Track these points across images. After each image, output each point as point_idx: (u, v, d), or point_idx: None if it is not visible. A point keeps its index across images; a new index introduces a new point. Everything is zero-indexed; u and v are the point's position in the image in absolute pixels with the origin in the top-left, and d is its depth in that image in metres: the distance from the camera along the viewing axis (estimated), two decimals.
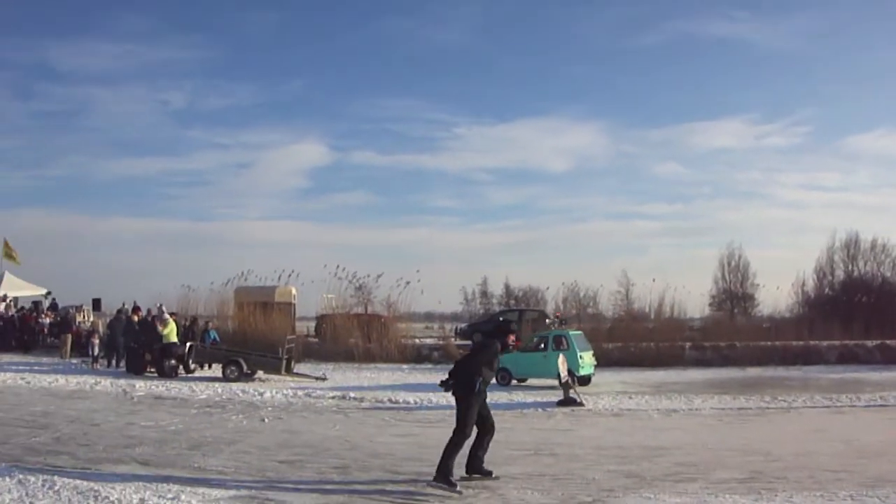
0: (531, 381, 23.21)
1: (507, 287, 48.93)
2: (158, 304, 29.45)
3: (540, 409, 17.70)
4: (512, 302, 46.51)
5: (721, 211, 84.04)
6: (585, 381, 22.55)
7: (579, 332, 25.35)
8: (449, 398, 17.91)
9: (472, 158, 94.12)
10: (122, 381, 22.44)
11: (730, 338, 31.18)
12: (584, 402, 18.08)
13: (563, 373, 18.58)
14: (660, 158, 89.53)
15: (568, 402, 18.06)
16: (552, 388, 20.39)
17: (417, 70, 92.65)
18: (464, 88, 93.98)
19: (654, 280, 34.57)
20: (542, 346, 23.67)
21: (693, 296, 37.74)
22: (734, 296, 45.50)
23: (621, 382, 23.41)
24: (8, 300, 34.97)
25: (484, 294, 50.24)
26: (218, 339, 28.34)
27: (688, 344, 31.21)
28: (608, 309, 37.74)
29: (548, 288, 41.20)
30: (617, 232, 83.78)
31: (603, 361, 27.46)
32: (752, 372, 26.55)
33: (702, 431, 14.48)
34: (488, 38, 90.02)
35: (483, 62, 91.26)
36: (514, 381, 23.21)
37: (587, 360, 23.02)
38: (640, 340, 31.06)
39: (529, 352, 23.51)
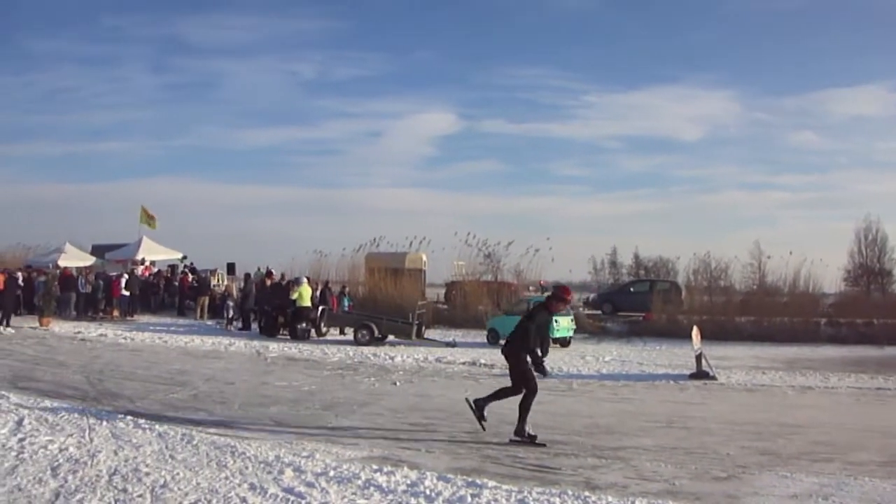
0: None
1: (636, 257, 47.87)
2: (266, 268, 30.61)
3: (671, 381, 17.40)
4: (642, 272, 45.50)
5: (858, 182, 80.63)
6: (564, 342, 25.50)
7: None
8: (580, 367, 17.84)
9: (602, 126, 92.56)
10: (256, 343, 23.30)
11: (866, 314, 29.63)
12: (716, 375, 17.67)
13: (697, 344, 18.19)
14: (795, 127, 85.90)
15: (700, 374, 17.70)
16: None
17: (547, 37, 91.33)
18: (593, 55, 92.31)
19: (790, 253, 33.23)
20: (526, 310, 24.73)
21: (829, 270, 35.97)
22: (871, 271, 43.02)
23: (754, 357, 22.69)
24: (146, 263, 36.60)
25: (613, 264, 49.16)
26: (350, 304, 29.20)
27: (823, 320, 29.92)
28: (740, 282, 36.42)
29: (678, 258, 40.24)
30: (749, 203, 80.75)
31: (734, 336, 26.83)
32: (891, 351, 25.19)
33: (838, 410, 13.96)
34: (619, 4, 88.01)
35: (613, 28, 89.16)
36: (501, 341, 24.31)
37: (563, 325, 24.97)
38: (772, 315, 30.00)
39: (515, 315, 24.33)
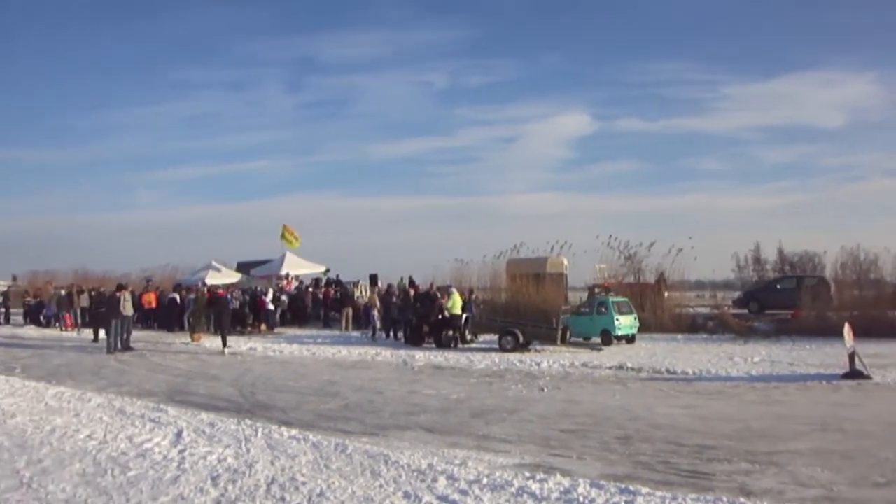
0: (593, 339, 26.69)
1: (780, 252, 46.26)
2: (409, 278, 31.19)
3: (824, 382, 16.80)
4: (787, 268, 43.99)
5: None
6: (629, 339, 26.80)
7: (624, 299, 28.55)
8: (729, 369, 17.52)
9: (741, 118, 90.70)
10: (402, 352, 23.86)
11: None
12: (871, 374, 17.02)
13: (849, 342, 17.59)
14: None
15: (854, 374, 17.06)
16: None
17: (677, 29, 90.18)
18: (728, 45, 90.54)
19: None
20: (590, 310, 27.56)
21: None
22: None
23: None
24: (290, 277, 37.94)
25: (757, 261, 47.59)
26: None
27: None
28: (891, 273, 34.40)
29: (825, 252, 38.52)
30: None
31: (888, 331, 25.41)
32: None
33: None
34: None
35: (748, 16, 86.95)
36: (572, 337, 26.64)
37: (623, 322, 26.63)
38: None
39: (582, 315, 27.60)
